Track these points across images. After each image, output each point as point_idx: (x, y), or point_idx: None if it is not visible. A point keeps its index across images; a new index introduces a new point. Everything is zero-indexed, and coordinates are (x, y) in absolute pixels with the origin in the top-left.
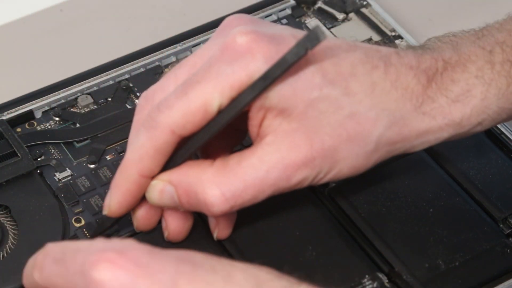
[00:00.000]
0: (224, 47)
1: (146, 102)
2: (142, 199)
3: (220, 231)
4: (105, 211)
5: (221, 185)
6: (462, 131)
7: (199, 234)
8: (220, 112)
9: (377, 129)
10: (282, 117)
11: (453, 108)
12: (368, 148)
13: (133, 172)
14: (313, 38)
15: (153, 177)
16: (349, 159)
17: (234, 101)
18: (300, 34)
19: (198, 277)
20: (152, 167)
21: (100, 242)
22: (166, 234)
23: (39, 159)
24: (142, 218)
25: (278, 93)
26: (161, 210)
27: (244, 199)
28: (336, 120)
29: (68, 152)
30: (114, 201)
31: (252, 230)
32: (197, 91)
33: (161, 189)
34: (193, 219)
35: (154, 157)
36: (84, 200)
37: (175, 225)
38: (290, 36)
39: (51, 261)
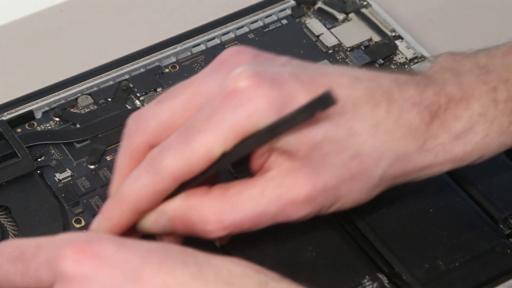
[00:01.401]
0: (226, 94)
1: (138, 127)
2: None
3: (221, 242)
4: (92, 228)
5: (219, 214)
6: (462, 164)
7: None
8: (223, 156)
9: (381, 168)
10: (286, 156)
11: (455, 145)
12: (371, 185)
13: (129, 208)
14: (324, 102)
15: None
16: (352, 195)
17: (237, 148)
18: (300, 72)
19: (164, 270)
20: (149, 206)
21: (64, 235)
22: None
23: (39, 159)
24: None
25: (283, 138)
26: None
27: (242, 228)
28: (340, 160)
29: (68, 153)
30: (102, 229)
31: (252, 231)
32: (201, 140)
33: (155, 219)
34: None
35: (154, 199)
36: (84, 201)
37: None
38: (292, 78)
39: (5, 260)
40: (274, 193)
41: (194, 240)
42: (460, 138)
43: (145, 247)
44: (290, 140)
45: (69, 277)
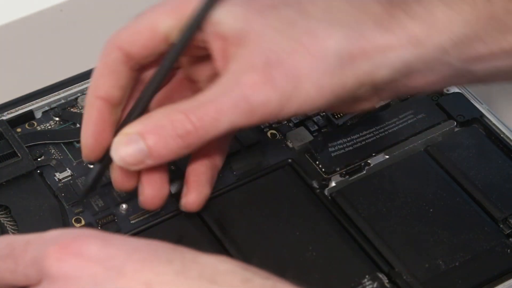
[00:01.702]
0: None
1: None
2: None
3: (188, 199)
4: (83, 154)
5: (185, 110)
6: (425, 53)
7: (199, 234)
8: (173, 44)
9: (334, 41)
10: (241, 45)
11: (415, 25)
12: (330, 64)
13: (91, 97)
14: None
15: (115, 131)
16: (313, 77)
17: (183, 29)
18: None
19: (147, 267)
20: (106, 87)
21: (52, 233)
22: (140, 198)
23: (39, 159)
24: (119, 178)
25: (232, 16)
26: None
27: (204, 120)
28: (291, 36)
29: (68, 152)
30: (84, 137)
31: (252, 230)
32: (146, 13)
33: (126, 141)
34: (168, 189)
35: (106, 75)
36: (84, 200)
37: (150, 190)
38: None
39: None
40: (232, 80)
41: (193, 245)
42: (421, 19)
43: (132, 244)
44: (240, 18)
45: (53, 276)
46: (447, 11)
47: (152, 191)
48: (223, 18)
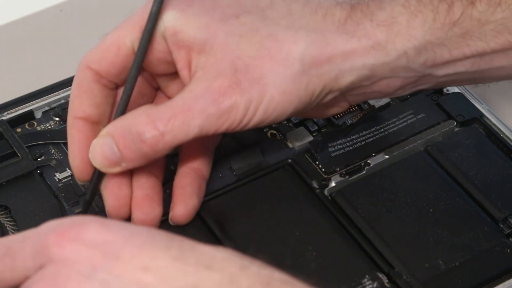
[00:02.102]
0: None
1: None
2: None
3: (174, 213)
4: (75, 177)
5: (151, 114)
6: (388, 58)
7: (199, 234)
8: (136, 48)
9: (298, 46)
10: (206, 53)
11: (377, 31)
12: (295, 69)
13: (69, 118)
14: None
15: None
16: (277, 82)
17: (142, 32)
18: None
19: (145, 251)
20: (82, 106)
21: (48, 223)
22: (132, 221)
23: (39, 159)
24: (112, 204)
25: (193, 26)
26: (130, 196)
27: (173, 125)
28: (255, 42)
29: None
30: (71, 159)
31: (252, 230)
32: (112, 32)
33: (100, 144)
34: (161, 210)
35: (80, 95)
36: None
37: (141, 214)
38: None
39: None
40: (201, 86)
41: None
42: (383, 25)
43: (129, 229)
44: (202, 27)
45: (52, 262)
46: (410, 17)
47: (143, 215)
48: (185, 28)
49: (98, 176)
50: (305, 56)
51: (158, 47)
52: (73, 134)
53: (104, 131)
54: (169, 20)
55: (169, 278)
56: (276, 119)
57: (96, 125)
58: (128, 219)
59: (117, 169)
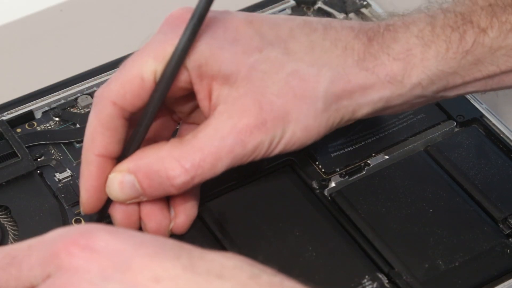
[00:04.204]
0: (163, 23)
1: (101, 96)
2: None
3: (177, 223)
4: (82, 209)
5: (179, 158)
6: (403, 90)
7: (199, 235)
8: (158, 80)
9: (321, 84)
10: (228, 85)
11: (394, 65)
12: (317, 106)
13: (89, 154)
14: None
15: (111, 168)
16: (300, 119)
17: (167, 64)
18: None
19: (155, 261)
20: (104, 143)
21: (56, 232)
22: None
23: (39, 159)
24: (121, 219)
25: (218, 59)
26: (138, 209)
27: (203, 168)
28: (280, 79)
29: (68, 153)
30: (83, 193)
31: (252, 230)
32: (133, 61)
33: (120, 180)
34: (170, 220)
35: (103, 132)
36: None
37: (153, 224)
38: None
39: None
40: (227, 124)
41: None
42: (399, 59)
43: (139, 238)
44: (226, 61)
45: (62, 270)
46: (424, 49)
47: (155, 225)
48: (210, 61)
49: (108, 202)
50: (328, 93)
51: (180, 77)
52: (91, 171)
53: (124, 166)
54: (195, 52)
55: None
56: (293, 150)
57: (113, 160)
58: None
59: (134, 201)
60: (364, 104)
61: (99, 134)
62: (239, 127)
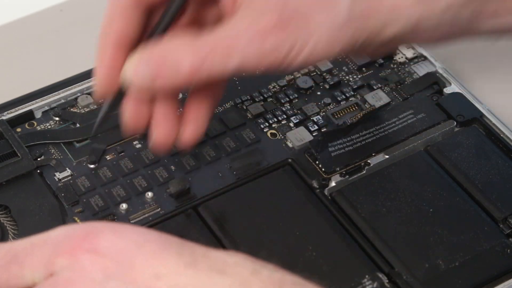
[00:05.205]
0: None
1: None
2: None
3: (185, 132)
4: (96, 93)
5: (191, 45)
6: (433, 12)
7: (199, 234)
8: None
9: None
10: None
11: None
12: (341, 17)
13: (103, 38)
14: None
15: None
16: (324, 28)
17: None
18: None
19: (157, 259)
20: (118, 28)
21: (60, 231)
22: (151, 141)
23: (39, 159)
24: (130, 118)
25: None
26: (149, 113)
27: (213, 59)
28: None
29: (68, 152)
30: (98, 76)
31: (252, 230)
32: None
33: (136, 63)
34: (178, 132)
35: (118, 18)
36: (84, 200)
37: (161, 130)
38: None
39: None
40: (245, 21)
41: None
42: None
43: (143, 236)
44: None
45: (65, 270)
46: None
47: (163, 129)
48: None
49: (120, 93)
50: (354, 7)
51: None
52: (104, 53)
53: (141, 52)
54: None
55: (181, 285)
56: (314, 63)
57: (126, 48)
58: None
59: (147, 93)
60: (392, 21)
61: (113, 19)
62: (258, 24)
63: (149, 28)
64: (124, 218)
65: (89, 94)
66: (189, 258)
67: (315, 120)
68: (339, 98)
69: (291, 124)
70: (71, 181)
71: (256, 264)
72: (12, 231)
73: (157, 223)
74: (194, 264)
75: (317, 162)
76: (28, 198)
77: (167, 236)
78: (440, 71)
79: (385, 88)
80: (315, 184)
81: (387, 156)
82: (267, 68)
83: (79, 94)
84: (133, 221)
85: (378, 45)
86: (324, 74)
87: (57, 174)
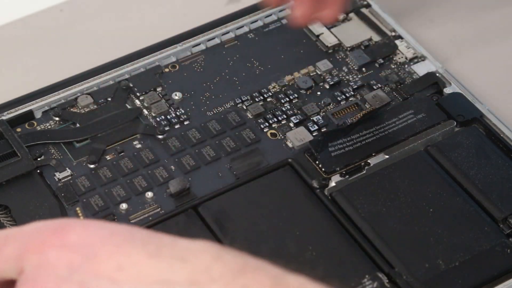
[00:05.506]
0: None
1: None
2: None
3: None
4: None
5: None
6: None
7: (199, 234)
8: None
9: None
10: None
11: None
12: None
13: None
14: None
15: None
16: None
17: None
18: None
19: (121, 251)
20: None
21: (32, 226)
22: (291, 17)
23: (39, 159)
24: None
25: None
26: None
27: None
28: None
29: (68, 152)
30: None
31: (252, 230)
32: None
33: None
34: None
35: None
36: (84, 200)
37: (302, 9)
38: None
39: None
40: None
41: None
42: None
43: (109, 229)
44: None
45: (33, 266)
46: None
47: (304, 10)
48: None
49: None
50: None
51: None
52: None
53: None
54: None
55: (142, 275)
56: None
57: None
58: None
59: None
60: None
61: None
62: None
63: None
64: (124, 218)
65: (89, 94)
66: (154, 248)
67: (315, 120)
68: (339, 98)
69: (291, 124)
70: (71, 181)
71: (220, 250)
72: None
73: (157, 223)
74: (158, 253)
75: (317, 162)
76: (28, 198)
77: (135, 229)
78: (440, 71)
79: (385, 88)
80: (315, 184)
81: (387, 156)
82: None
83: (79, 94)
84: (133, 221)
85: None
86: (324, 74)
87: (57, 174)
